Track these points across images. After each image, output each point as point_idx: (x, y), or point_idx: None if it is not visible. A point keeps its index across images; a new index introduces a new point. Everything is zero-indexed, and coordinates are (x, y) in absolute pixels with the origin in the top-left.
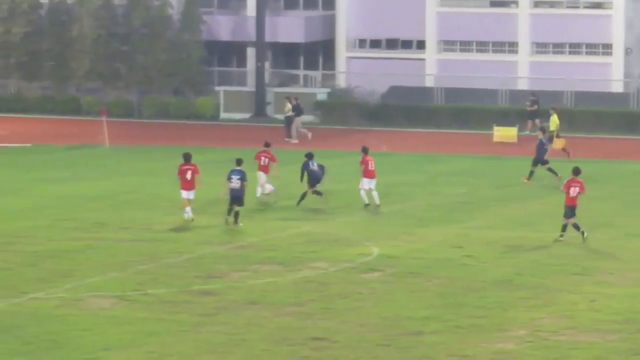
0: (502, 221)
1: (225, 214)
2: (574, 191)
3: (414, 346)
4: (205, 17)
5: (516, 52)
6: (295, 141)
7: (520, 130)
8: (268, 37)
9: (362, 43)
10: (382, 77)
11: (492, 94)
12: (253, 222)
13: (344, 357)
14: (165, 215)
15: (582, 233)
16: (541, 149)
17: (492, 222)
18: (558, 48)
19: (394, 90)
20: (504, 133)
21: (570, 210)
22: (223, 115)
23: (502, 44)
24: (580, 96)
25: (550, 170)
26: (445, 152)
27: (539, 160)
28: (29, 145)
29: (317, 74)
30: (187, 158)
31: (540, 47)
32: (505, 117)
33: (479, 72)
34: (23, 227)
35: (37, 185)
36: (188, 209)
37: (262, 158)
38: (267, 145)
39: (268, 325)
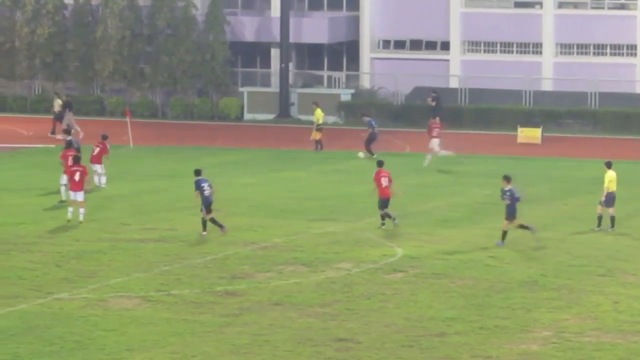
0: (526, 222)
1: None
2: (385, 181)
3: (438, 347)
4: (229, 18)
5: (540, 53)
6: (60, 137)
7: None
8: (292, 38)
9: (386, 44)
10: (406, 77)
11: (516, 94)
12: (277, 223)
13: (368, 358)
14: (189, 216)
15: (394, 219)
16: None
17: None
18: (582, 49)
19: (418, 91)
20: (528, 134)
21: (384, 202)
22: (247, 116)
23: (526, 44)
24: (605, 97)
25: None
26: (469, 153)
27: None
28: (53, 146)
29: (341, 75)
30: (76, 159)
31: (565, 48)
32: (529, 118)
33: (503, 73)
34: (48, 227)
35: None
36: (71, 209)
37: (96, 148)
38: (104, 137)
39: (292, 326)
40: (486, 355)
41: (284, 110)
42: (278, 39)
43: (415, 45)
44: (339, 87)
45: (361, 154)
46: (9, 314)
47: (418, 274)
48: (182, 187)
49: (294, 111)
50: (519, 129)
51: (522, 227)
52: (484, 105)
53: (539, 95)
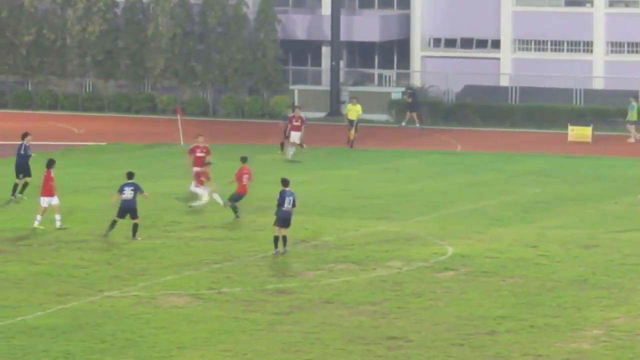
0: (576, 221)
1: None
2: (245, 179)
3: (488, 345)
4: (280, 16)
5: (591, 51)
6: None
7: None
8: (343, 36)
9: (437, 42)
10: (457, 76)
11: (567, 93)
12: (327, 222)
13: (418, 357)
14: (240, 214)
15: (237, 216)
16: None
17: (566, 222)
18: (633, 47)
19: (468, 90)
20: (579, 132)
21: (239, 196)
22: None
23: (577, 43)
24: None
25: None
26: (519, 152)
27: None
28: (104, 143)
29: (391, 73)
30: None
31: (616, 46)
32: (580, 117)
33: (554, 71)
34: (99, 225)
35: (113, 183)
36: (39, 217)
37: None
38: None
39: (343, 325)
40: (537, 353)
41: (334, 108)
42: (329, 37)
43: (466, 43)
44: (389, 85)
45: (289, 153)
46: (60, 311)
47: (468, 273)
48: (232, 185)
49: (345, 109)
50: (570, 128)
51: (282, 239)
52: (535, 103)
53: (590, 93)
